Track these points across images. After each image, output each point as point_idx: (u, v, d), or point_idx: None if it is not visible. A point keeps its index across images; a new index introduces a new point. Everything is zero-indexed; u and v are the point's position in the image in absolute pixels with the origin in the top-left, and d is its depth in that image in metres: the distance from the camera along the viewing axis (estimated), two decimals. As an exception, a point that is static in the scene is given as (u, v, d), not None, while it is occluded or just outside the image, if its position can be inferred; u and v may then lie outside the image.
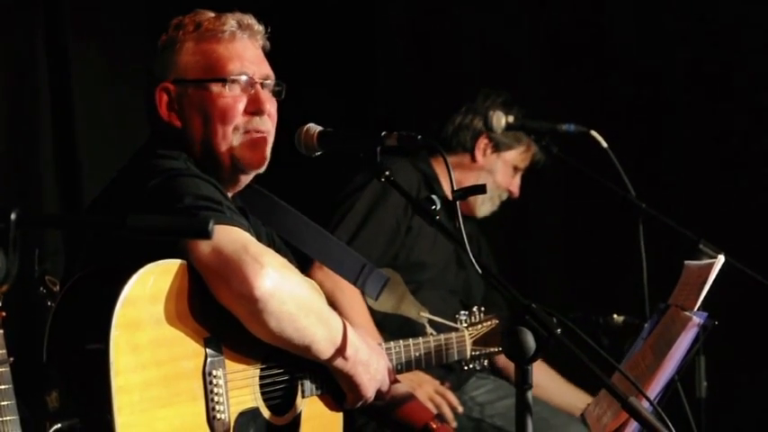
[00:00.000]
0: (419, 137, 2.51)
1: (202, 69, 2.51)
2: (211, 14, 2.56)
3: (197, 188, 2.36)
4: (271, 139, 2.57)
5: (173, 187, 2.35)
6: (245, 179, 2.59)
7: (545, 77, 4.84)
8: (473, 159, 3.95)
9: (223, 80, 2.50)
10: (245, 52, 2.54)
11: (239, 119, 2.51)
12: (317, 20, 4.69)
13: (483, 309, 3.00)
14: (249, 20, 2.56)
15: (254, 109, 2.52)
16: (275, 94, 2.58)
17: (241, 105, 2.51)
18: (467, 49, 4.94)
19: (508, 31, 4.88)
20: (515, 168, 4.02)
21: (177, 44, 2.52)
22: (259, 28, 2.58)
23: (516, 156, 4.00)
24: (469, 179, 3.85)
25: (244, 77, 2.52)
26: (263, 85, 2.55)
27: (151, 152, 2.50)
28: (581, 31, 4.78)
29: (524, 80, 4.83)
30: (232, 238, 2.28)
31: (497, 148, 3.95)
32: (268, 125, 2.55)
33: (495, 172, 3.97)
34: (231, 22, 2.53)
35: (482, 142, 3.94)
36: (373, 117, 4.85)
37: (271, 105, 2.56)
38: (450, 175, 2.52)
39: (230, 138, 2.50)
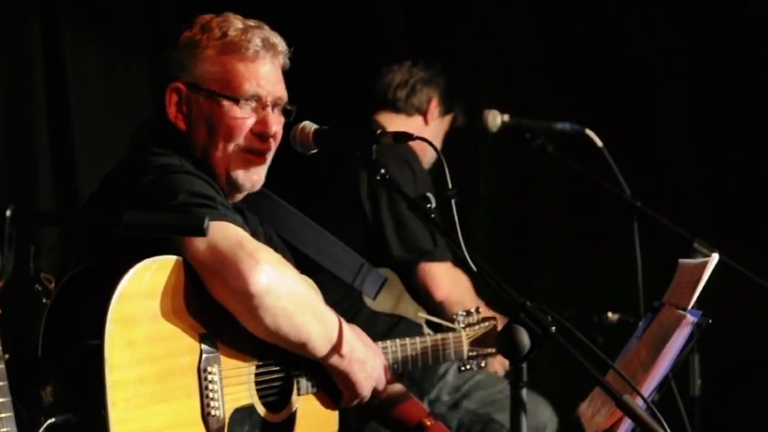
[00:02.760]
0: (414, 135, 2.52)
1: (219, 82, 2.50)
2: (240, 24, 2.53)
3: (191, 185, 2.35)
4: (269, 159, 2.57)
5: (166, 184, 2.35)
6: (239, 195, 2.58)
7: (541, 73, 4.85)
8: (426, 122, 3.99)
9: (236, 99, 2.49)
10: (264, 73, 2.52)
11: (242, 138, 2.51)
12: (312, 11, 4.69)
13: (480, 309, 3.00)
14: (275, 38, 2.55)
15: (260, 131, 2.52)
16: (284, 114, 2.58)
17: (249, 124, 2.51)
18: (463, 41, 4.95)
19: (505, 22, 4.89)
20: (444, 132, 4.07)
21: (199, 48, 2.50)
22: (283, 48, 2.56)
23: (449, 121, 4.05)
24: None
25: (256, 99, 2.51)
26: (274, 106, 2.54)
27: (146, 149, 2.50)
28: (578, 23, 4.78)
29: (521, 74, 4.84)
30: (227, 234, 2.28)
31: (442, 112, 4.01)
32: (270, 146, 2.55)
33: (438, 135, 4.01)
34: (257, 40, 2.51)
35: (433, 105, 3.98)
36: (368, 107, 4.85)
37: (278, 127, 2.55)
38: (446, 175, 2.53)
39: (229, 154, 2.50)
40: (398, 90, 4.00)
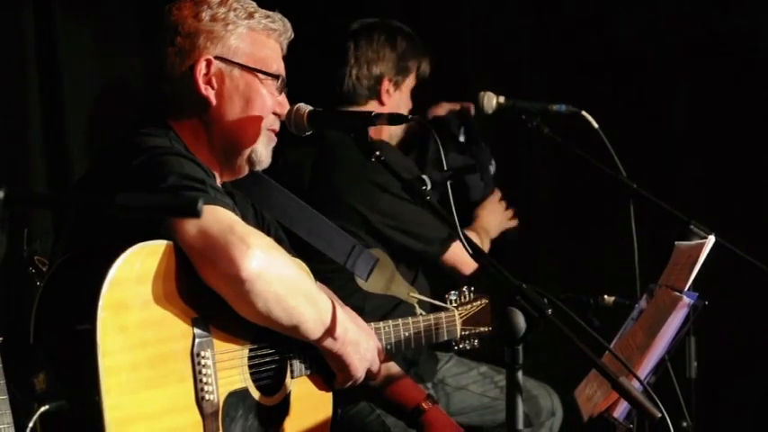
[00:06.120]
0: (409, 116, 2.51)
1: (253, 58, 2.52)
2: (255, 6, 2.56)
3: (181, 167, 2.34)
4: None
5: (157, 166, 2.34)
6: (247, 171, 2.60)
7: (535, 57, 4.83)
8: (381, 104, 3.85)
9: (275, 76, 2.54)
10: (280, 55, 2.59)
11: (270, 116, 2.56)
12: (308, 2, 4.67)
13: (473, 288, 2.99)
14: (288, 23, 2.60)
15: (279, 112, 2.57)
16: None
17: (274, 104, 2.56)
18: (459, 33, 4.93)
19: (499, 11, 4.87)
20: (411, 92, 3.92)
21: (230, 24, 2.51)
22: (292, 33, 2.62)
23: (411, 81, 3.90)
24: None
25: (280, 80, 2.56)
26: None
27: (135, 130, 2.47)
28: (574, 12, 4.76)
29: (517, 61, 4.81)
30: (218, 218, 2.27)
31: (397, 84, 3.86)
32: (278, 127, 2.61)
33: (401, 107, 3.84)
34: (279, 22, 2.57)
35: (385, 85, 3.82)
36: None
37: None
38: (441, 156, 2.52)
39: (260, 130, 2.54)
40: (347, 81, 3.85)
